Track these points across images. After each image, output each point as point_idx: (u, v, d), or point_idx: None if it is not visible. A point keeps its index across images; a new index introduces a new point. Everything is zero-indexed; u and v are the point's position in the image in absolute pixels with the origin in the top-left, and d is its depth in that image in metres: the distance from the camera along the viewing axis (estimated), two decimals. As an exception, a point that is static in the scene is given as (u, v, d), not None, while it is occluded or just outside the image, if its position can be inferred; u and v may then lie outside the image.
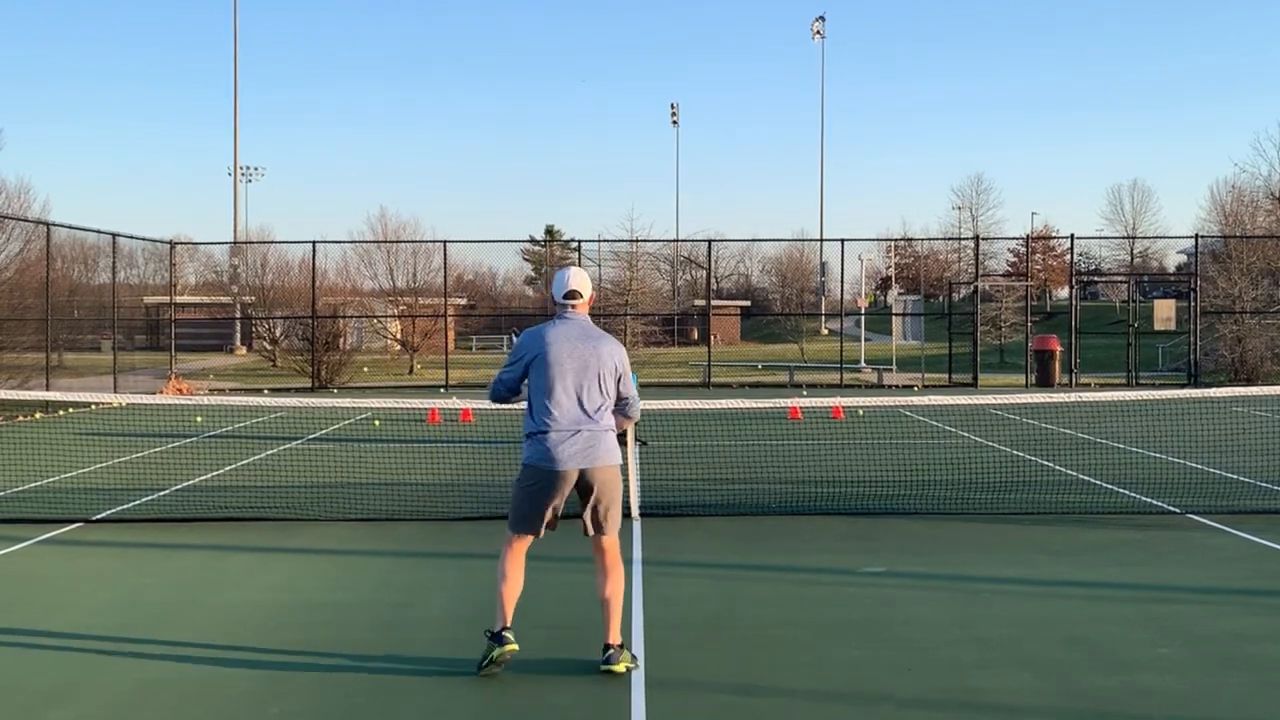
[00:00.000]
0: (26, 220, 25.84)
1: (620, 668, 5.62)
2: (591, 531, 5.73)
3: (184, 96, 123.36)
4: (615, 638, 5.71)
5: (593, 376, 5.63)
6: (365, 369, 19.23)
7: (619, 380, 5.74)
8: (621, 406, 5.81)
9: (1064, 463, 13.77)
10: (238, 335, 51.92)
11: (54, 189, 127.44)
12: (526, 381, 5.74)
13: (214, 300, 54.05)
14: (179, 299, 39.95)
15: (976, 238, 42.37)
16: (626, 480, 10.19)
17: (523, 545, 5.79)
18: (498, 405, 5.96)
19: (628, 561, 8.22)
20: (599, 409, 5.64)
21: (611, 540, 5.76)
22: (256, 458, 14.78)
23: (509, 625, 5.68)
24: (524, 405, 5.79)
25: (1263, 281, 34.27)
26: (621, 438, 10.96)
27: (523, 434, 5.75)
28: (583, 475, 5.60)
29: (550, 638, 6.30)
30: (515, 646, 5.65)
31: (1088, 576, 7.79)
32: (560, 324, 5.74)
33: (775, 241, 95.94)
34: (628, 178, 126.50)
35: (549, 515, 5.68)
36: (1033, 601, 7.16)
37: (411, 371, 37.75)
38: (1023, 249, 52.47)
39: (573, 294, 5.79)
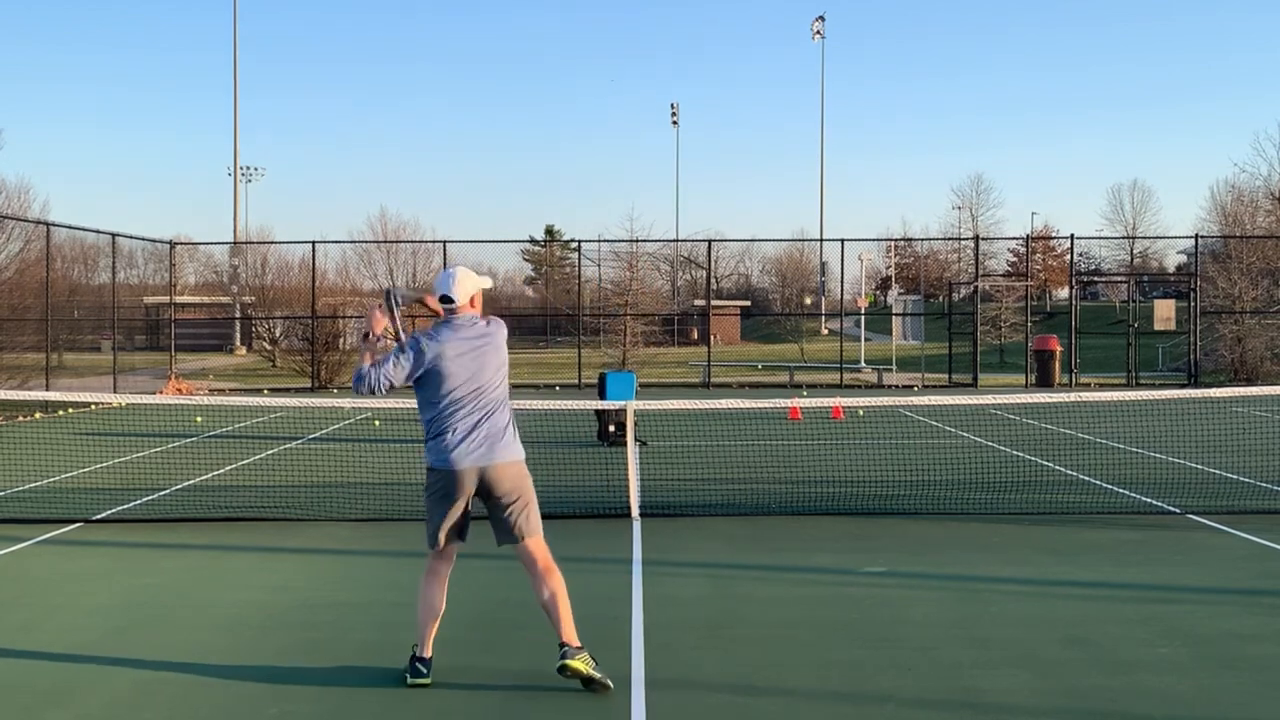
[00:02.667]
0: (26, 220, 25.86)
1: (579, 664, 5.33)
2: (513, 538, 5.47)
3: (184, 97, 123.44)
4: (570, 638, 5.42)
5: (486, 376, 5.46)
6: (377, 423, 19.36)
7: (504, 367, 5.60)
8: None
9: (1064, 463, 13.77)
10: (237, 335, 51.95)
11: (54, 189, 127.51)
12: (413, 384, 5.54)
13: (214, 300, 54.09)
14: (179, 299, 39.97)
15: (976, 238, 42.38)
16: (626, 481, 10.20)
17: (442, 561, 5.61)
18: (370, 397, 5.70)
19: (628, 562, 8.25)
20: (495, 408, 5.48)
21: (536, 542, 5.50)
22: (256, 458, 14.78)
23: (427, 655, 5.56)
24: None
25: (1263, 281, 34.28)
26: (619, 434, 10.93)
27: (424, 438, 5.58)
28: (484, 475, 5.41)
29: (547, 642, 6.29)
30: (426, 682, 5.49)
31: (1088, 576, 7.78)
32: (446, 329, 5.52)
33: (775, 241, 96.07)
34: (628, 178, 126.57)
35: (458, 521, 5.49)
36: (1033, 601, 7.16)
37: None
38: (1023, 249, 52.47)
39: (444, 299, 5.57)
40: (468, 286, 5.61)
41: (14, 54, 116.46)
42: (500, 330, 5.65)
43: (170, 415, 20.54)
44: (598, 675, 5.38)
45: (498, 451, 5.43)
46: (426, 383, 5.49)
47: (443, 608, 5.63)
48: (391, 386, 5.50)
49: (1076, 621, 6.64)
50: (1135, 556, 8.48)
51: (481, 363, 5.48)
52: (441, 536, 5.51)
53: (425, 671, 5.53)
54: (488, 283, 5.80)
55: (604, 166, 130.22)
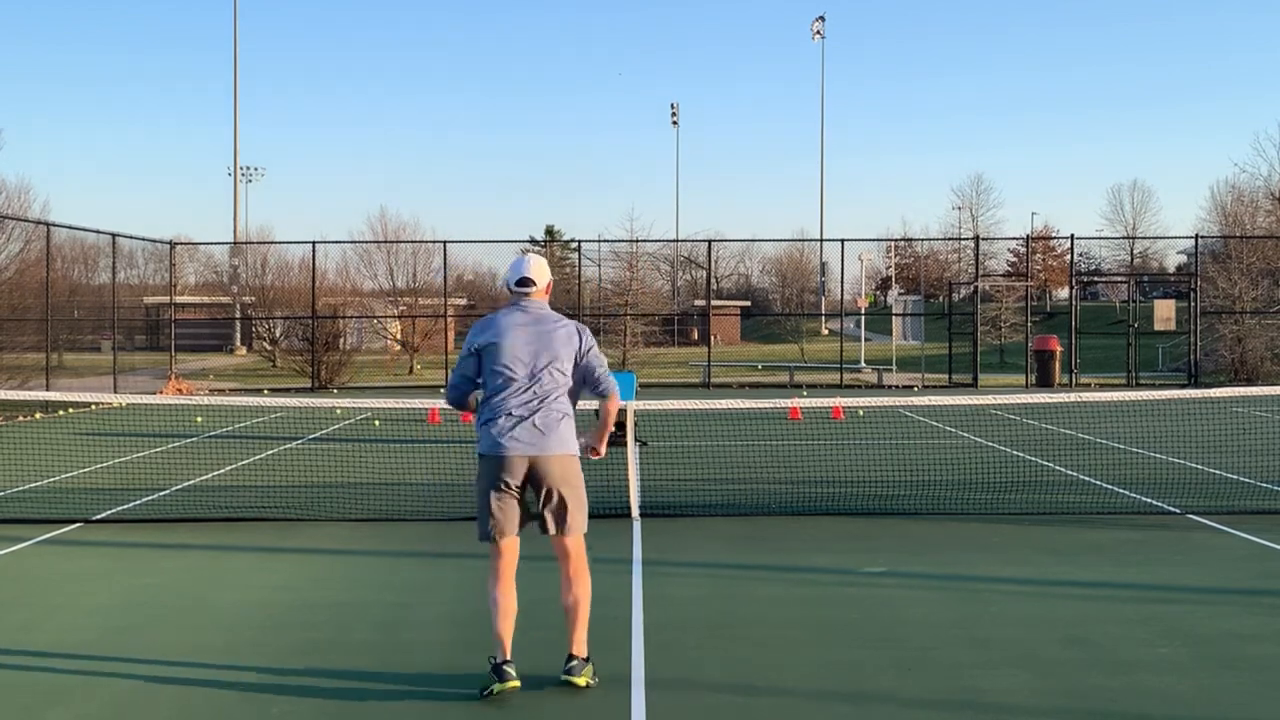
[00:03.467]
0: (26, 220, 25.86)
1: (581, 680, 5.33)
2: (552, 530, 5.38)
3: (184, 96, 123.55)
4: (580, 649, 5.40)
5: (546, 362, 5.35)
6: (377, 423, 19.43)
7: (581, 363, 5.46)
8: (595, 387, 5.53)
9: (1064, 463, 13.77)
10: (238, 335, 51.94)
11: (54, 189, 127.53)
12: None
13: (214, 300, 54.08)
14: (179, 299, 39.97)
15: (976, 238, 42.38)
16: (626, 481, 10.20)
17: (501, 557, 5.42)
18: (460, 409, 5.67)
19: (627, 561, 8.25)
20: (552, 396, 5.36)
21: (576, 540, 5.42)
22: (256, 458, 14.78)
23: (509, 658, 5.38)
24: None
25: (1263, 281, 34.29)
26: (619, 433, 10.94)
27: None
28: (534, 464, 5.31)
29: (550, 639, 6.30)
30: (517, 683, 5.34)
31: (1088, 576, 7.78)
32: (515, 311, 5.46)
33: (775, 241, 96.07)
34: (628, 178, 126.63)
35: (509, 509, 5.33)
36: (1033, 601, 7.16)
37: (411, 371, 37.76)
38: (1023, 249, 52.47)
39: (525, 281, 5.50)
40: (546, 272, 5.58)
41: (14, 54, 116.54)
42: (582, 332, 5.51)
43: (170, 415, 20.55)
44: (594, 683, 5.41)
45: (549, 442, 5.32)
46: (483, 364, 5.44)
47: (513, 606, 5.43)
48: (465, 388, 5.52)
49: (1076, 621, 6.64)
50: (1135, 556, 8.48)
51: (542, 347, 5.37)
52: (492, 529, 5.34)
53: (512, 674, 5.33)
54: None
55: (604, 166, 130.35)
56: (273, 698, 5.39)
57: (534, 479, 5.34)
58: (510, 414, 5.31)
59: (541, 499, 5.37)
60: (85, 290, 34.01)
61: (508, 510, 5.35)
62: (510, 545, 5.43)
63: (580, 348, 5.47)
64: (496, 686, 5.31)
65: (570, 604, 5.43)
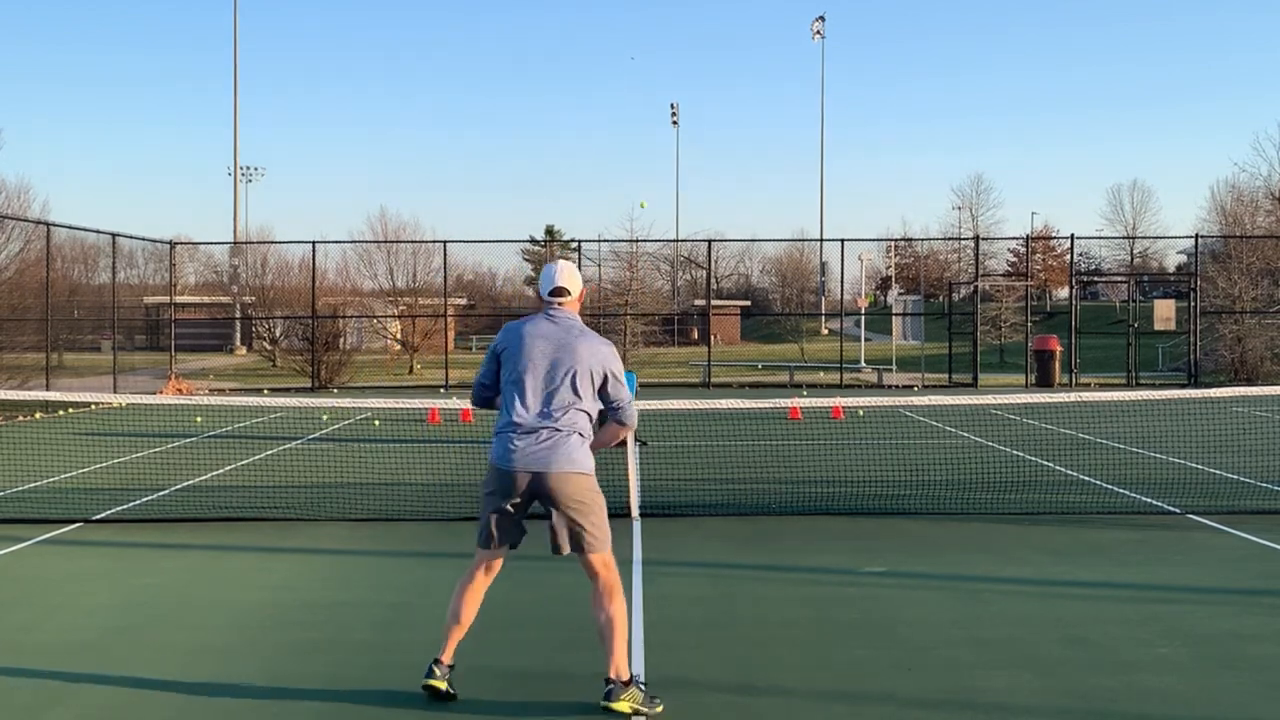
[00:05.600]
0: (26, 220, 25.86)
1: (623, 707, 5.00)
2: (565, 549, 5.16)
3: (184, 96, 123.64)
4: (618, 671, 5.07)
5: (564, 376, 5.13)
6: (377, 423, 19.48)
7: (603, 383, 5.21)
8: (613, 413, 5.30)
9: (1064, 463, 13.77)
10: (238, 335, 51.96)
11: (54, 189, 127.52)
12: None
13: (214, 300, 54.09)
14: (179, 299, 39.97)
15: (976, 238, 42.37)
16: (626, 481, 10.20)
17: (483, 563, 5.31)
18: (485, 410, 5.55)
19: (627, 562, 8.23)
20: (565, 411, 5.13)
21: (600, 558, 5.18)
22: (256, 458, 14.77)
23: (441, 659, 5.28)
24: None
25: (1263, 281, 34.29)
26: (621, 443, 11.03)
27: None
28: (538, 481, 5.10)
29: (551, 639, 6.30)
30: (441, 685, 5.23)
31: (1088, 576, 7.78)
32: (542, 320, 5.29)
33: (775, 241, 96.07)
34: (628, 178, 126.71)
35: (505, 523, 5.21)
36: (1033, 601, 7.16)
37: (411, 371, 37.76)
38: (1023, 249, 52.47)
39: (559, 290, 5.31)
40: (578, 280, 5.40)
41: (14, 54, 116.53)
42: (606, 345, 5.28)
43: (170, 415, 20.54)
44: (646, 710, 5.07)
45: (555, 459, 5.08)
46: (502, 369, 5.30)
47: (468, 619, 5.34)
48: (484, 392, 5.40)
49: (1076, 621, 6.64)
50: (1135, 556, 8.47)
51: (561, 360, 5.15)
52: (487, 536, 5.24)
53: (436, 673, 5.25)
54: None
55: (604, 166, 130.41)
56: (272, 697, 5.38)
57: (540, 496, 5.15)
58: (520, 426, 5.14)
59: (553, 518, 5.18)
60: (85, 290, 34.02)
61: (502, 524, 5.23)
62: (493, 559, 5.32)
63: (603, 369, 5.20)
64: (426, 681, 5.27)
65: (603, 622, 5.14)
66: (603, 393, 5.24)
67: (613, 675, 5.06)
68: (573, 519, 5.15)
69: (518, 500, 5.19)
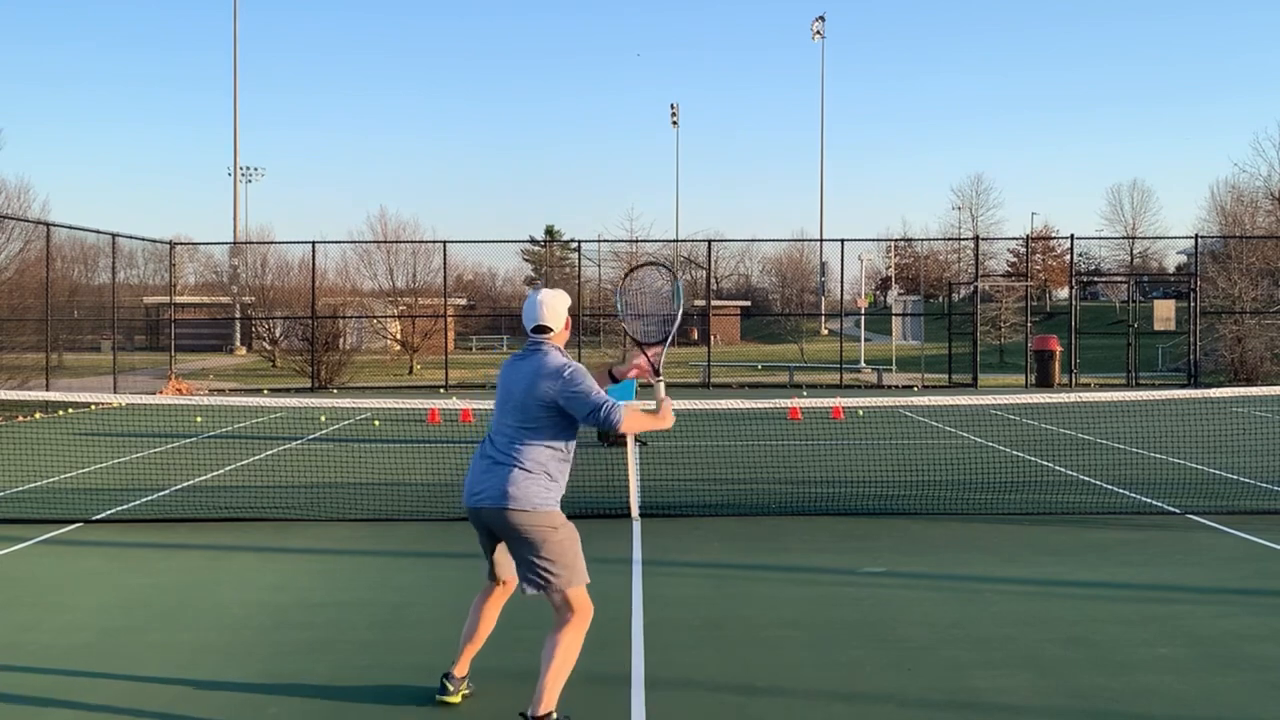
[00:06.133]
0: (26, 220, 25.87)
1: None
2: (525, 589, 4.90)
3: (184, 97, 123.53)
4: (538, 704, 4.71)
5: (514, 408, 4.92)
6: (377, 423, 19.49)
7: (557, 408, 4.86)
8: (597, 425, 4.90)
9: (1064, 463, 13.77)
10: (237, 335, 51.94)
11: (54, 189, 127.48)
12: None
13: (214, 300, 54.03)
14: (179, 299, 39.96)
15: (976, 238, 42.37)
16: (626, 481, 10.20)
17: (487, 587, 5.34)
18: None
19: (627, 561, 8.24)
20: (513, 443, 4.89)
21: (559, 598, 4.85)
22: (256, 458, 14.77)
23: (454, 673, 5.30)
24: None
25: (1263, 281, 34.30)
26: (621, 439, 11.03)
27: None
28: (483, 515, 4.91)
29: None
30: (455, 700, 5.26)
31: (1088, 576, 7.78)
32: (520, 357, 5.04)
33: (775, 241, 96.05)
34: (628, 178, 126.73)
35: (492, 554, 5.18)
36: (1033, 601, 7.16)
37: (411, 372, 37.76)
38: (1023, 249, 52.47)
39: (540, 329, 5.02)
40: (561, 311, 5.07)
41: (15, 54, 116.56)
42: (563, 370, 4.88)
43: (170, 415, 20.54)
44: None
45: (497, 495, 4.83)
46: None
47: (484, 634, 5.32)
48: None
49: (1076, 621, 6.64)
50: (1135, 556, 8.47)
51: (517, 390, 4.92)
52: (487, 566, 5.26)
53: (449, 689, 5.26)
54: (568, 300, 5.24)
55: (604, 166, 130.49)
56: (272, 698, 5.39)
57: (496, 534, 5.00)
58: (481, 458, 5.00)
59: (511, 554, 4.98)
60: (85, 290, 33.98)
61: (490, 555, 5.21)
62: (496, 587, 5.31)
63: (556, 392, 4.85)
64: (438, 697, 5.31)
65: (545, 649, 4.84)
66: (565, 415, 4.90)
67: (531, 711, 4.73)
68: (517, 553, 4.91)
69: (488, 534, 5.10)
